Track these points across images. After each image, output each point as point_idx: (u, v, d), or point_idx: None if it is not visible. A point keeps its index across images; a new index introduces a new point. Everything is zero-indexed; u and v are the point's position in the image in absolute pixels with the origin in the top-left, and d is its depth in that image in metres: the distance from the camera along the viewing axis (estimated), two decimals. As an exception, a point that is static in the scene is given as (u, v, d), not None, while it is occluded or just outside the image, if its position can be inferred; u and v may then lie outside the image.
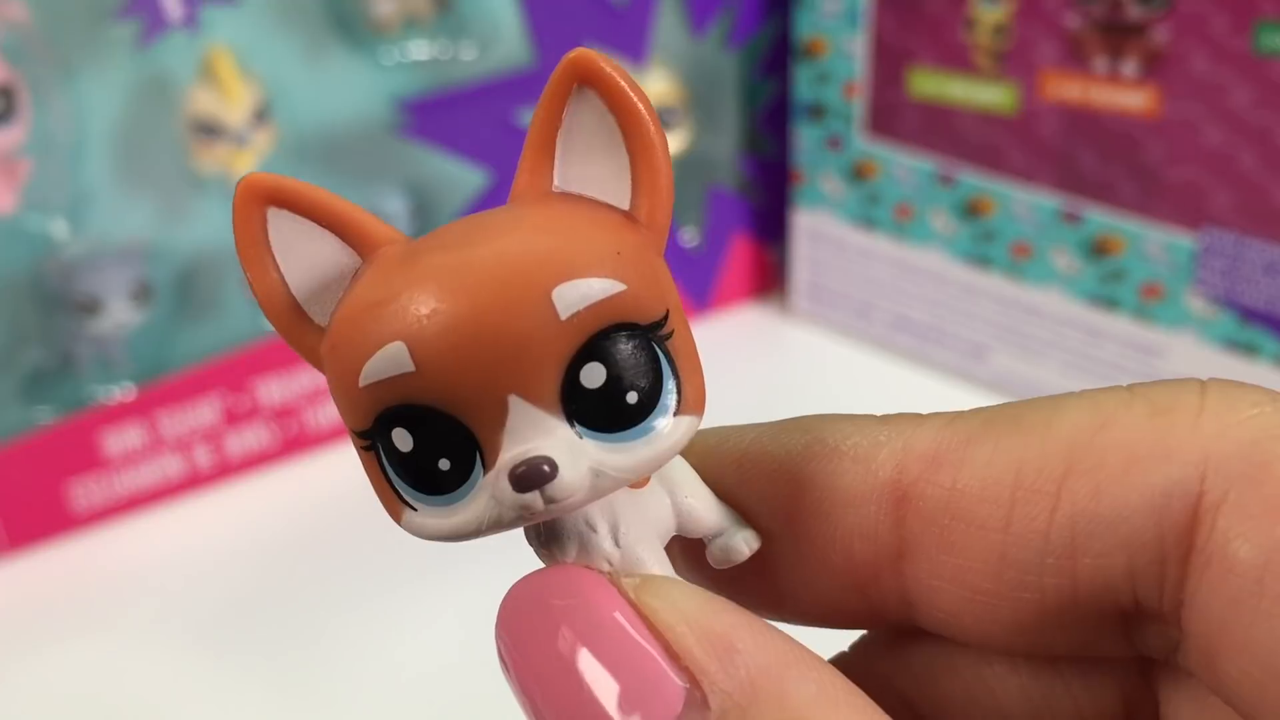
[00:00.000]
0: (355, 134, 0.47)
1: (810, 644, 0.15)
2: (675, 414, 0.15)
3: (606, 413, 0.15)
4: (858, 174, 0.53)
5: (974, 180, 0.49)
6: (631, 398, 0.15)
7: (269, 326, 0.50)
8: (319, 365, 0.16)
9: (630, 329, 0.15)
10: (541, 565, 0.16)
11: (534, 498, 0.14)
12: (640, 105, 0.15)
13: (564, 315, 0.14)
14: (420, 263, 0.15)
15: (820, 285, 0.56)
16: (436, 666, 0.39)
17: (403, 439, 0.15)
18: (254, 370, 0.47)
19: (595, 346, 0.14)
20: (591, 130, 0.16)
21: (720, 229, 0.57)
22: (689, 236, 0.56)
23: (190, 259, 0.45)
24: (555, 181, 0.16)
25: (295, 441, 0.48)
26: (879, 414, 0.17)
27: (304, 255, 0.16)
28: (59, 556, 0.44)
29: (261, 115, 0.44)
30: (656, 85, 0.52)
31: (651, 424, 0.15)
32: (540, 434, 0.14)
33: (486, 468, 0.14)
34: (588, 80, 0.15)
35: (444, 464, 0.15)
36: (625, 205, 0.16)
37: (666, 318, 0.15)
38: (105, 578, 0.44)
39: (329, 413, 0.49)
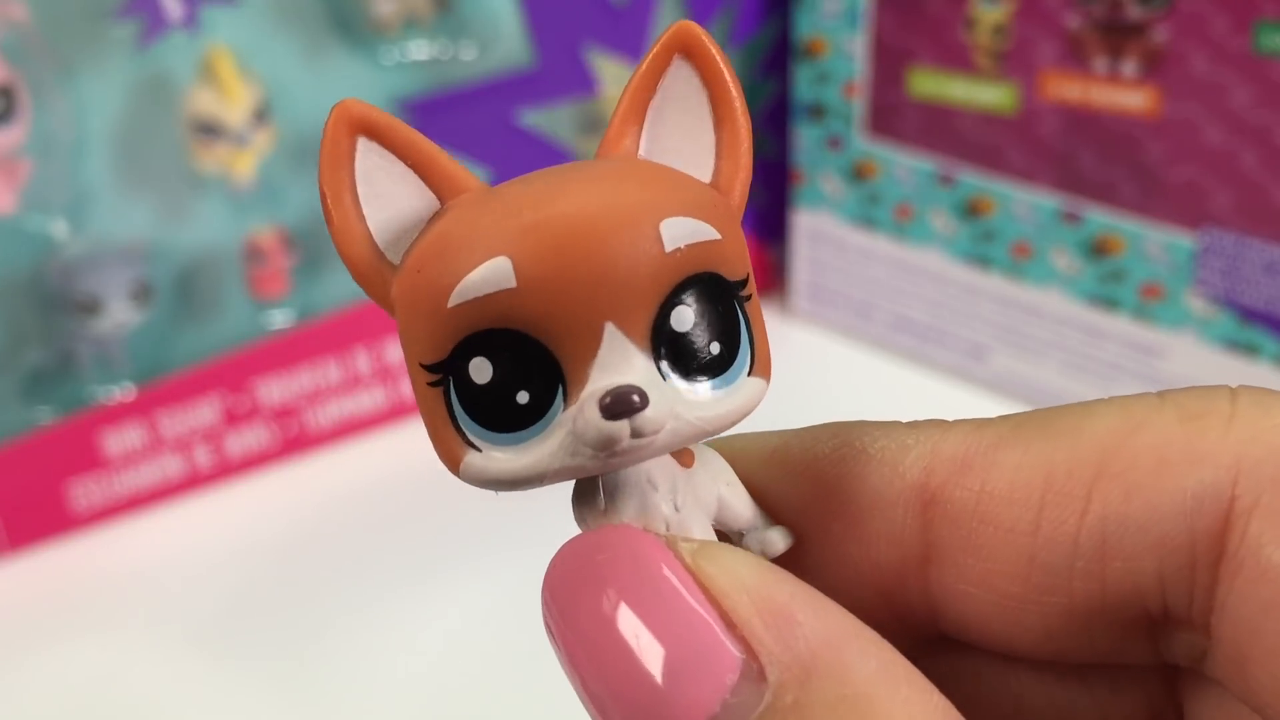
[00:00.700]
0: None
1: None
2: (749, 374, 0.15)
3: (691, 358, 0.15)
4: (858, 174, 0.53)
5: (974, 180, 0.49)
6: (715, 348, 0.15)
7: (269, 326, 0.50)
8: (386, 301, 0.15)
9: (719, 281, 0.15)
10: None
11: (622, 427, 0.14)
12: (733, 83, 0.16)
13: (669, 247, 0.14)
14: (520, 190, 0.15)
15: (820, 285, 0.56)
16: (436, 666, 0.39)
17: (480, 369, 0.14)
18: (254, 370, 0.47)
19: (689, 289, 0.15)
20: (683, 103, 0.16)
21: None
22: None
23: (190, 259, 0.45)
24: (641, 149, 0.16)
25: (295, 441, 0.48)
26: (906, 420, 0.17)
27: (385, 191, 0.15)
28: (59, 556, 0.44)
29: (261, 115, 0.44)
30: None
31: (731, 377, 0.15)
32: (629, 368, 0.14)
33: (568, 401, 0.14)
34: (689, 52, 0.16)
35: (523, 396, 0.14)
36: (706, 179, 0.16)
37: (748, 279, 0.15)
38: (105, 578, 0.44)
39: (329, 413, 0.49)
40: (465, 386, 0.14)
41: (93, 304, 0.43)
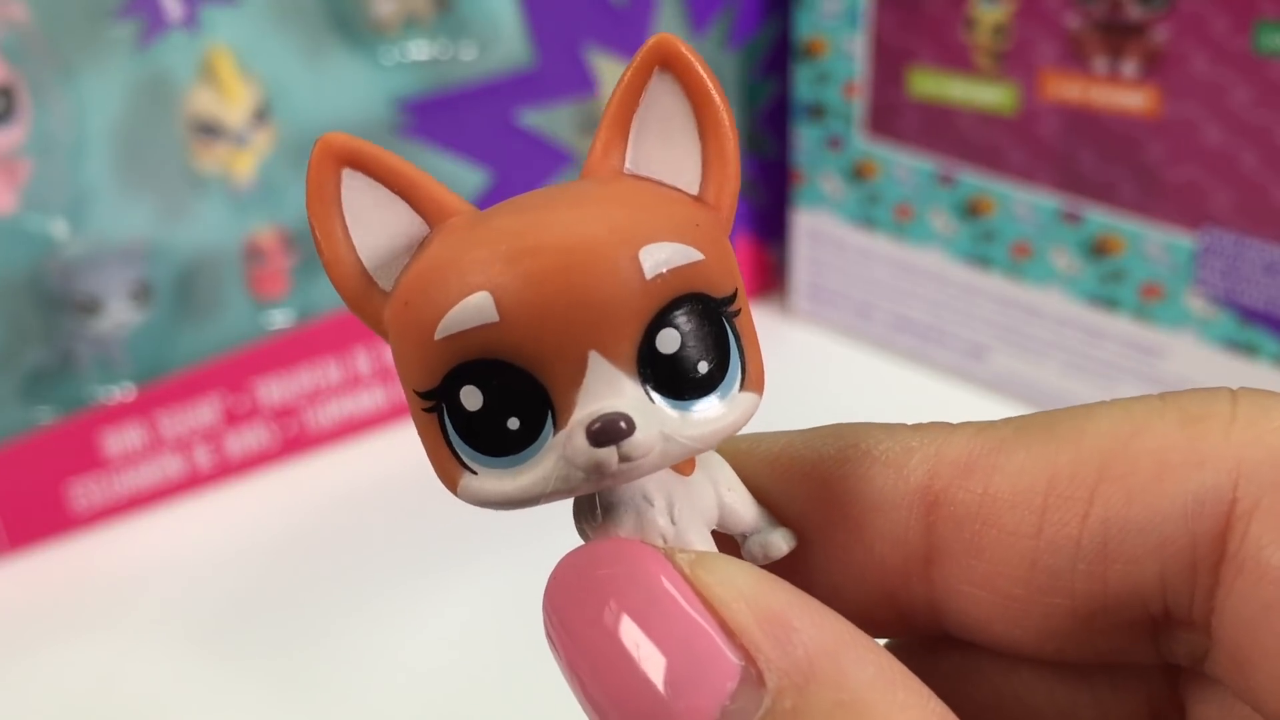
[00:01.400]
0: (355, 134, 0.46)
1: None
2: (740, 389, 0.15)
3: (679, 379, 0.15)
4: (858, 174, 0.53)
5: (974, 180, 0.49)
6: (703, 367, 0.15)
7: (269, 326, 0.50)
8: (380, 329, 0.16)
9: (705, 300, 0.15)
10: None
11: (609, 454, 0.14)
12: (716, 93, 0.16)
13: (649, 275, 0.14)
14: (502, 221, 0.15)
15: (820, 285, 0.56)
16: (437, 666, 0.39)
17: (471, 397, 0.15)
18: (254, 370, 0.47)
19: (672, 312, 0.15)
20: (667, 114, 0.16)
21: (720, 229, 0.57)
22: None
23: (190, 259, 0.45)
24: (627, 163, 0.16)
25: (295, 441, 0.48)
26: (908, 421, 0.17)
27: (374, 220, 0.16)
28: (59, 556, 0.44)
29: (261, 115, 0.44)
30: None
31: (720, 395, 0.15)
32: (615, 393, 0.14)
33: (558, 426, 0.14)
34: (669, 64, 0.16)
35: (513, 423, 0.15)
36: (694, 191, 0.16)
37: (736, 295, 0.15)
38: (105, 578, 0.44)
39: (329, 413, 0.49)
40: (458, 413, 0.15)
41: (93, 304, 0.43)
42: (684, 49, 0.16)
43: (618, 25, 0.50)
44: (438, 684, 0.38)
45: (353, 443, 0.49)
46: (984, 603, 0.16)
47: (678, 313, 0.15)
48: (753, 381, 0.15)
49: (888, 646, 0.19)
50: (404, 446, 0.50)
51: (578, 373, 0.14)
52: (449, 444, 0.15)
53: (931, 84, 0.49)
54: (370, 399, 0.49)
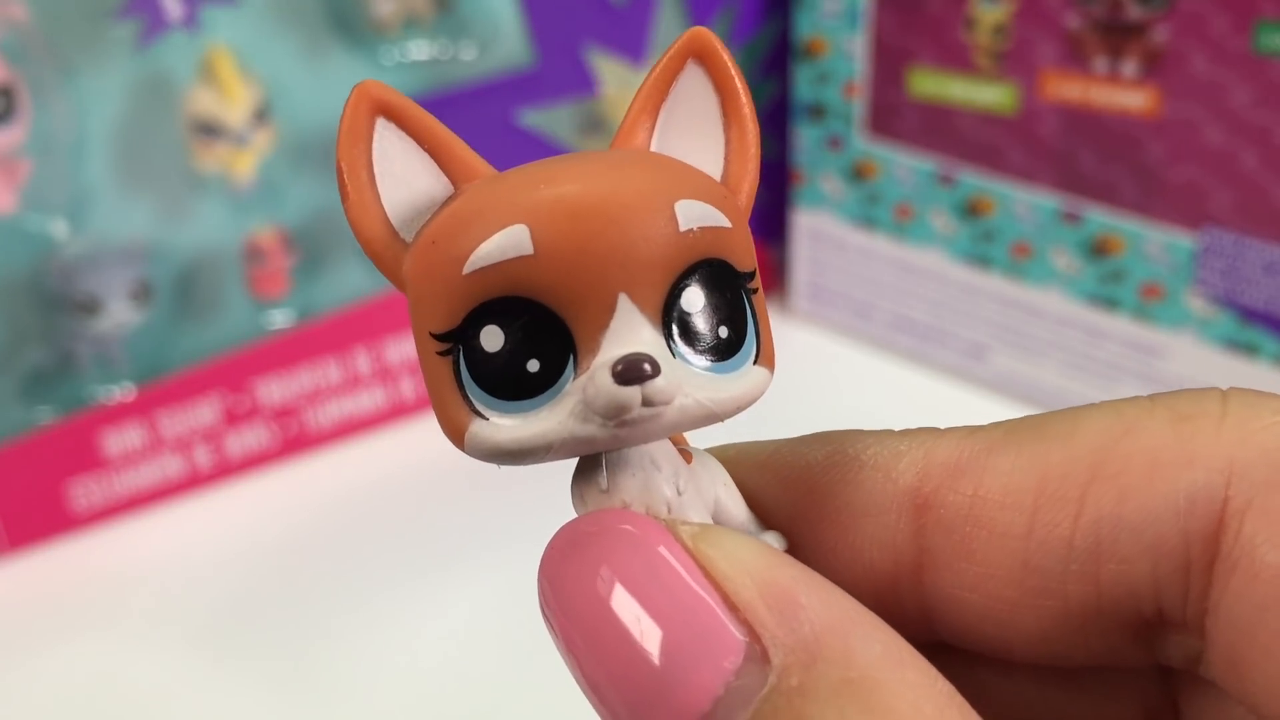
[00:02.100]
0: (355, 134, 0.47)
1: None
2: (754, 364, 0.15)
3: (700, 339, 0.15)
4: (858, 174, 0.53)
5: (974, 180, 0.49)
6: (724, 331, 0.15)
7: (269, 326, 0.50)
8: (397, 276, 0.16)
9: (729, 268, 0.15)
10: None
11: (633, 394, 0.14)
12: (743, 88, 0.16)
13: (683, 227, 0.15)
14: (537, 169, 0.15)
15: (820, 285, 0.56)
16: (437, 665, 0.39)
17: (492, 336, 0.14)
18: (254, 370, 0.47)
19: (700, 271, 0.15)
20: (694, 105, 0.16)
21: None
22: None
23: (190, 259, 0.45)
24: (653, 145, 0.16)
25: (295, 441, 0.48)
26: (903, 422, 0.17)
27: (401, 172, 0.16)
28: (59, 556, 0.44)
29: (261, 115, 0.44)
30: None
31: (738, 363, 0.15)
32: (641, 339, 0.14)
33: (579, 370, 0.14)
34: (703, 56, 0.16)
35: (533, 364, 0.14)
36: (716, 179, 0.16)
37: (755, 273, 0.16)
38: (105, 578, 0.44)
39: (329, 413, 0.49)
40: (475, 354, 0.15)
41: (92, 304, 0.43)
42: (718, 44, 0.16)
43: (618, 25, 0.50)
44: (438, 683, 0.38)
45: (353, 443, 0.49)
46: (976, 606, 0.16)
47: (703, 273, 0.15)
48: (766, 358, 0.15)
49: None
50: (404, 446, 0.50)
51: (605, 314, 0.14)
52: (461, 388, 0.15)
53: (931, 84, 0.49)
54: (370, 399, 0.49)
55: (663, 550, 0.14)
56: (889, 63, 0.50)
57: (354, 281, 0.49)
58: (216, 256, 0.46)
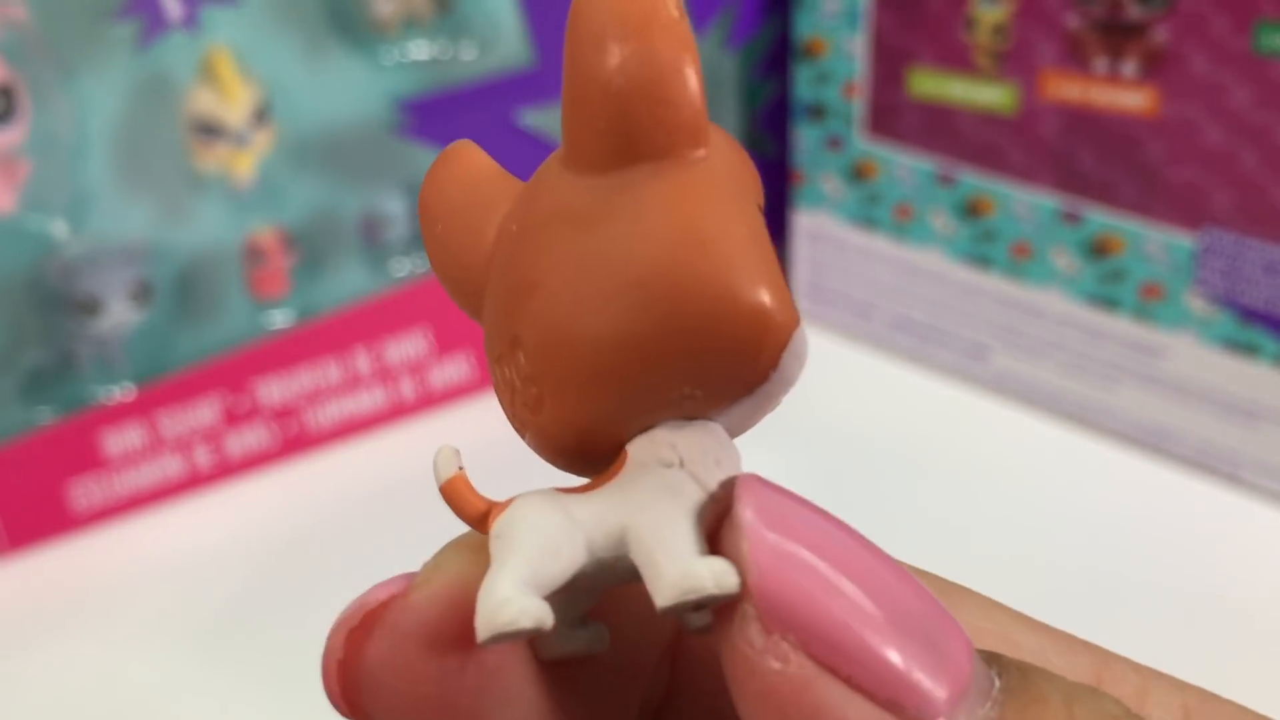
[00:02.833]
0: (355, 134, 0.47)
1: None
2: None
3: None
4: (858, 174, 0.53)
5: (974, 180, 0.49)
6: None
7: (269, 326, 0.50)
8: (475, 308, 0.16)
9: None
10: None
11: None
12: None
13: None
14: None
15: (820, 285, 0.56)
16: (436, 666, 0.39)
17: None
18: (254, 370, 0.47)
19: None
20: None
21: (720, 229, 0.57)
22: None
23: (190, 259, 0.45)
24: None
25: (295, 441, 0.48)
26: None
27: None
28: (59, 556, 0.44)
29: (261, 115, 0.44)
30: (656, 85, 0.52)
31: None
32: None
33: None
34: None
35: None
36: None
37: None
38: (105, 578, 0.44)
39: (329, 413, 0.49)
40: None
41: (92, 304, 0.43)
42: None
43: (618, 25, 0.50)
44: (438, 684, 0.38)
45: (353, 443, 0.49)
46: None
47: None
48: None
49: None
50: (404, 446, 0.50)
51: None
52: None
53: (931, 84, 0.49)
54: (370, 399, 0.49)
55: None
56: (889, 63, 0.50)
57: (354, 281, 0.49)
58: (216, 256, 0.46)
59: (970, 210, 0.50)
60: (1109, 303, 0.47)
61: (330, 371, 0.48)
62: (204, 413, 0.46)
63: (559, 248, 0.14)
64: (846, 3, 0.51)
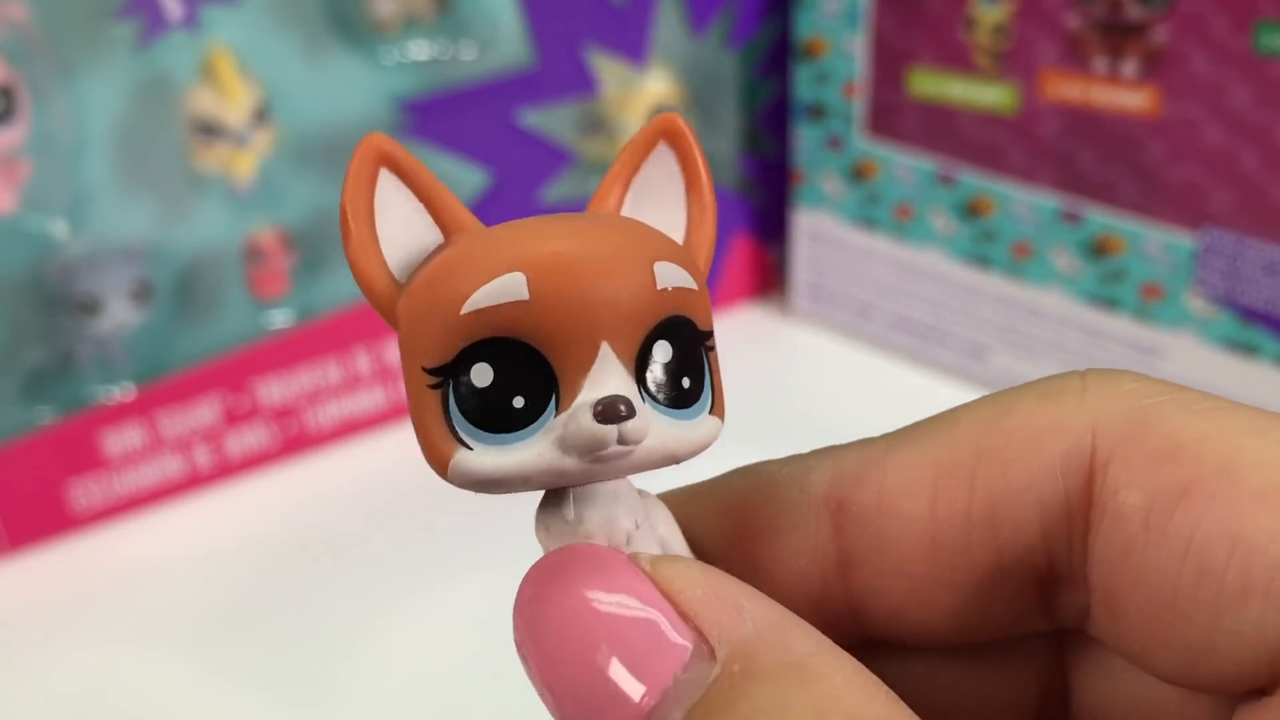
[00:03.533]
0: (355, 134, 0.47)
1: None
2: (709, 413, 0.17)
3: (667, 387, 0.16)
4: (858, 174, 0.53)
5: (974, 180, 0.49)
6: (685, 382, 0.17)
7: (269, 326, 0.50)
8: (390, 313, 0.17)
9: (693, 326, 0.17)
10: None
11: (610, 432, 0.15)
12: (704, 170, 0.18)
13: (659, 286, 0.16)
14: (529, 225, 0.17)
15: (820, 285, 0.56)
16: (437, 666, 0.39)
17: (483, 373, 0.16)
18: (254, 370, 0.47)
19: (669, 326, 0.16)
20: (661, 181, 0.18)
21: (720, 229, 0.57)
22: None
23: (190, 259, 0.45)
24: (624, 212, 0.18)
25: (295, 441, 0.48)
26: (810, 449, 0.19)
27: (398, 219, 0.17)
28: (59, 556, 0.44)
29: (262, 115, 0.44)
30: (656, 85, 0.52)
31: (696, 412, 0.17)
32: (617, 384, 0.16)
33: (560, 408, 0.16)
34: (671, 138, 0.18)
35: (519, 401, 0.16)
36: None
37: (712, 334, 0.17)
38: (105, 578, 0.44)
39: (329, 413, 0.49)
40: (465, 389, 0.16)
41: (93, 304, 0.43)
42: (685, 129, 0.18)
43: (618, 25, 0.50)
44: (438, 683, 0.38)
45: (353, 443, 0.50)
46: (895, 592, 0.18)
47: (672, 328, 0.16)
48: (718, 409, 0.17)
49: None
50: (404, 446, 0.50)
51: (588, 359, 0.16)
52: (448, 420, 0.16)
53: (931, 84, 0.49)
54: (370, 399, 0.49)
55: (624, 574, 0.16)
56: (889, 63, 0.50)
57: (354, 282, 0.49)
58: (216, 256, 0.46)
59: (970, 210, 0.50)
60: (1109, 303, 0.47)
61: (330, 371, 0.48)
62: (204, 413, 0.46)
63: None
64: (846, 3, 0.51)
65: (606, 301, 0.16)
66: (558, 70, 0.50)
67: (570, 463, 0.16)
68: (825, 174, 0.54)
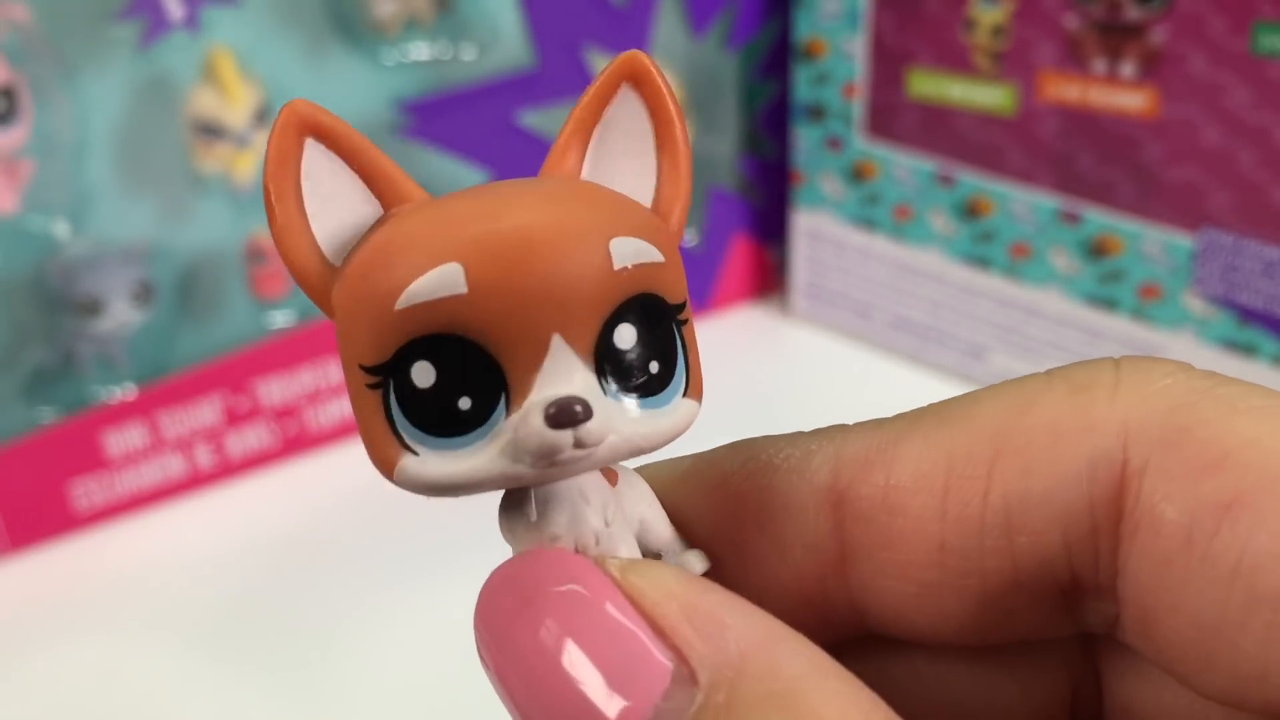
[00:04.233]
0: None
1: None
2: (683, 396, 0.15)
3: (631, 376, 0.15)
4: (857, 174, 0.53)
5: (973, 180, 0.49)
6: (654, 367, 0.15)
7: (270, 326, 0.50)
8: (325, 302, 0.15)
9: (659, 302, 0.15)
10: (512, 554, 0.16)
11: (565, 437, 0.14)
12: (676, 112, 0.16)
13: (616, 265, 0.14)
14: (469, 202, 0.15)
15: (820, 285, 0.56)
16: (436, 666, 0.39)
17: (423, 373, 0.14)
18: (254, 370, 0.47)
19: (631, 308, 0.15)
20: (626, 129, 0.16)
21: (720, 229, 0.57)
22: (688, 237, 0.56)
23: (191, 259, 0.46)
24: (584, 171, 0.16)
25: (295, 441, 0.48)
26: (810, 430, 0.18)
27: (329, 194, 0.15)
28: (60, 556, 0.44)
29: (262, 116, 0.44)
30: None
31: (667, 398, 0.15)
32: (573, 380, 0.14)
33: (510, 409, 0.14)
34: (637, 80, 0.16)
35: (464, 403, 0.14)
36: (646, 204, 0.16)
37: (685, 305, 0.15)
38: (106, 578, 0.44)
39: (329, 413, 0.49)
40: (406, 390, 0.14)
41: (94, 304, 0.43)
42: (653, 67, 0.16)
43: (618, 25, 0.50)
44: (439, 683, 0.38)
45: (353, 443, 0.50)
46: (900, 594, 0.17)
47: (635, 310, 0.15)
48: (694, 390, 0.16)
49: None
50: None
51: (538, 355, 0.14)
52: (390, 423, 0.15)
53: (931, 85, 0.50)
54: (371, 399, 0.49)
55: (591, 585, 0.14)
56: (888, 63, 0.50)
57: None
58: (218, 257, 0.46)
59: (970, 210, 0.50)
60: (1108, 303, 0.47)
61: (330, 371, 0.48)
62: (205, 413, 0.46)
63: None
64: (846, 3, 0.51)
65: (554, 290, 0.14)
66: (558, 71, 0.50)
67: (523, 468, 0.14)
68: (825, 174, 0.54)
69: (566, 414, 0.14)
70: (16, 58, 0.40)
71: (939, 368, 0.53)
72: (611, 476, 0.16)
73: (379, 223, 0.15)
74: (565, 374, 0.14)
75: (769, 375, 0.54)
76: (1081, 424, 0.15)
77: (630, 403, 0.15)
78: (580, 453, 0.14)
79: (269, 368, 0.47)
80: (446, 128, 0.48)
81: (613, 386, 0.15)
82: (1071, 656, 0.18)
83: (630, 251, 0.15)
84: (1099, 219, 0.46)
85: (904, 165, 0.51)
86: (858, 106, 0.52)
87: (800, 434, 0.17)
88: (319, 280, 0.15)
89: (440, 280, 0.14)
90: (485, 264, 0.14)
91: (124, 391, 0.45)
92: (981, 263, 0.50)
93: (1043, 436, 0.16)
